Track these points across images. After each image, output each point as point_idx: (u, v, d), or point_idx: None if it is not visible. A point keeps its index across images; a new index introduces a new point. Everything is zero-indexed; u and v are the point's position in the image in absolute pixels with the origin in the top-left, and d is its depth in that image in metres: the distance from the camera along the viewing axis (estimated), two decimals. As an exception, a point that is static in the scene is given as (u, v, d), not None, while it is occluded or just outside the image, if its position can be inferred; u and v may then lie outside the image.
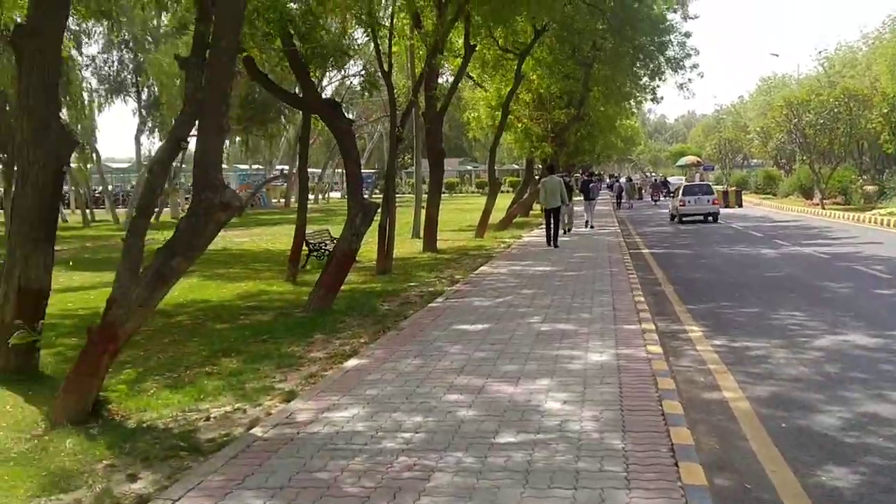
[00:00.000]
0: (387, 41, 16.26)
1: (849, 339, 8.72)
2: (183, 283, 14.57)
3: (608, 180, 63.18)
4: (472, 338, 8.61)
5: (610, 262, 16.38)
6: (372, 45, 15.91)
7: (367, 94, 15.07)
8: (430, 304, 11.19)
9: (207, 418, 6.07)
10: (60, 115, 7.63)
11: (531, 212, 35.41)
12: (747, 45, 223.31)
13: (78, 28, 33.41)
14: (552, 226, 19.97)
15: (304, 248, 15.64)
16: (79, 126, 39.22)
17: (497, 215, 27.22)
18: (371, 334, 9.18)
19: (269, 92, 13.95)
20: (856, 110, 35.84)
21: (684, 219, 29.85)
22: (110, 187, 49.88)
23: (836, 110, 36.35)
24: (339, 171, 60.09)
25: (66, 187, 53.78)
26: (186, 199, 56.21)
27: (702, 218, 29.93)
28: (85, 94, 39.76)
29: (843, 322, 9.69)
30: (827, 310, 10.61)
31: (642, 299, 11.25)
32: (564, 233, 23.85)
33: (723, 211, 32.89)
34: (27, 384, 7.30)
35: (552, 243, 19.78)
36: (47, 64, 7.45)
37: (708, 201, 30.20)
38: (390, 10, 16.70)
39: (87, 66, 40.30)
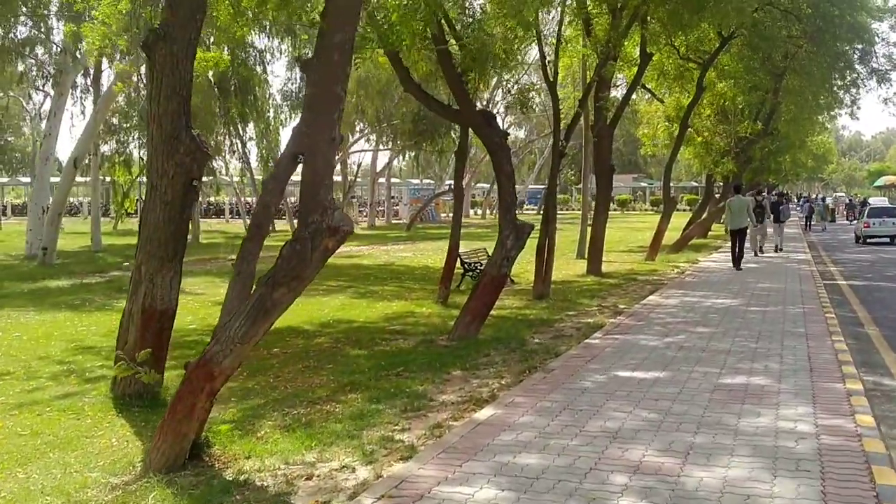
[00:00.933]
0: (552, 48, 15.15)
1: None
2: (334, 300, 14.28)
3: (797, 201, 58.87)
4: (633, 389, 7.28)
5: (802, 295, 14.33)
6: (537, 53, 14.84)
7: (520, 110, 14.14)
8: (586, 340, 9.90)
9: (310, 476, 5.22)
10: (192, 126, 7.11)
11: (710, 233, 33.00)
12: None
13: (263, 47, 34.91)
14: (737, 247, 19.47)
15: (459, 266, 14.85)
16: (265, 140, 41.06)
17: (671, 235, 25.29)
18: (515, 374, 8.09)
19: (421, 102, 13.21)
20: None
21: (868, 240, 30.83)
22: (291, 199, 51.81)
23: None
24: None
25: (251, 199, 56.81)
26: (361, 210, 57.96)
27: (887, 240, 30.63)
28: (270, 111, 41.55)
29: None
30: None
31: (844, 346, 9.46)
32: (756, 254, 23.14)
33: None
34: (145, 412, 6.85)
35: (736, 265, 19.28)
36: (179, 70, 6.97)
37: (893, 224, 30.92)
38: (558, 17, 15.58)
39: (271, 83, 42.14)
